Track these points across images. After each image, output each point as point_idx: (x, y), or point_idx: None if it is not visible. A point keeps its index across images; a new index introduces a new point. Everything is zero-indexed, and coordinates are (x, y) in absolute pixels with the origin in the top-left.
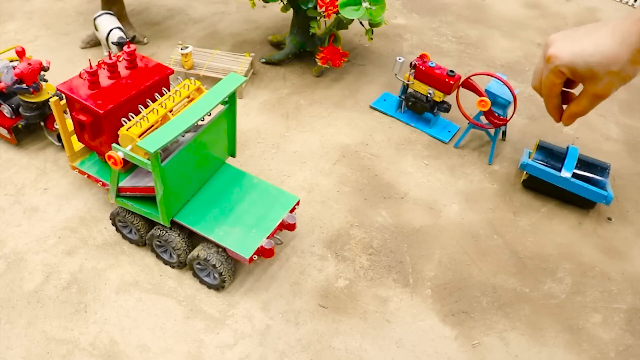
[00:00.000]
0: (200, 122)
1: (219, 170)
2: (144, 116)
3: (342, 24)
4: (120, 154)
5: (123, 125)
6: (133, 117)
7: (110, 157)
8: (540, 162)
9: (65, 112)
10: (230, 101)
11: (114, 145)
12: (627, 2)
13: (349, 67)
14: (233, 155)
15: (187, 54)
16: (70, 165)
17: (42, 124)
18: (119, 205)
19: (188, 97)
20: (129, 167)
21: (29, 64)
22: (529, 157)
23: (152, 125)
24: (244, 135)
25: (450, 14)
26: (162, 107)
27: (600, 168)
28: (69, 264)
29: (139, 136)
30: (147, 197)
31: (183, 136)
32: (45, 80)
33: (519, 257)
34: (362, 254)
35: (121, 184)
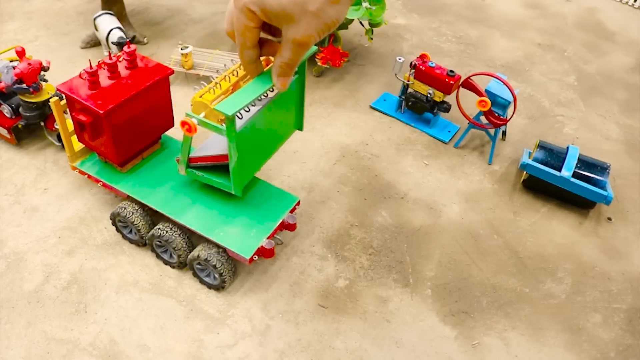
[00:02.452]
0: (270, 94)
1: None
2: (217, 82)
3: (342, 24)
4: (195, 121)
5: (124, 125)
6: (204, 85)
7: (184, 123)
8: (540, 162)
9: (65, 112)
10: (300, 71)
11: (187, 112)
12: (627, 2)
13: (349, 67)
14: (300, 128)
15: (187, 54)
16: (70, 165)
17: (42, 124)
18: (189, 176)
19: None
20: (129, 167)
21: (29, 64)
22: (529, 157)
23: (224, 93)
24: None
25: (450, 14)
26: (233, 75)
27: (600, 168)
28: (69, 264)
29: (212, 102)
30: (217, 168)
31: (254, 105)
32: (45, 80)
33: (519, 257)
34: (362, 254)
35: (191, 155)
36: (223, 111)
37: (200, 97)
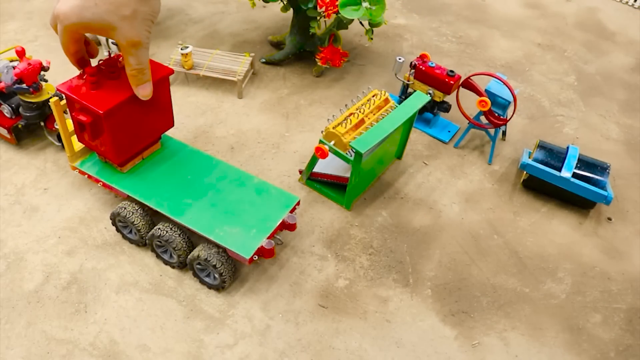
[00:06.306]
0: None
1: (218, 170)
2: (347, 118)
3: (342, 24)
4: (327, 147)
5: (124, 125)
6: (335, 117)
7: (319, 148)
8: (540, 162)
9: (65, 112)
10: (413, 115)
11: (322, 139)
12: (627, 2)
13: (349, 67)
14: (400, 157)
15: (187, 54)
16: (70, 166)
17: (42, 124)
18: (308, 186)
19: (378, 106)
20: (129, 167)
21: (29, 64)
22: (529, 157)
23: (353, 127)
24: (244, 135)
25: (450, 14)
26: (360, 112)
27: (600, 168)
28: (69, 264)
29: (342, 135)
30: (331, 184)
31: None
32: (45, 80)
33: (519, 257)
34: (362, 254)
35: (315, 170)
36: (357, 148)
37: (334, 128)
